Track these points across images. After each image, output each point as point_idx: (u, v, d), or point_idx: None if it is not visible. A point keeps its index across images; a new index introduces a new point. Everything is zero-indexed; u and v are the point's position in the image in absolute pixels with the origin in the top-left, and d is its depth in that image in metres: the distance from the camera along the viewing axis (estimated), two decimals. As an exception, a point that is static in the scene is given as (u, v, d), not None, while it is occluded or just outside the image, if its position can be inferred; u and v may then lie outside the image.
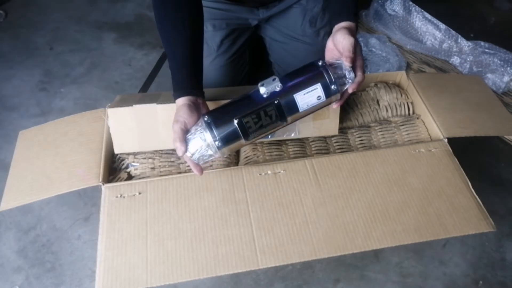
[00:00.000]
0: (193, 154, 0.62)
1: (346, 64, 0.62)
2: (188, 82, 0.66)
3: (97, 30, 1.76)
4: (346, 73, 0.64)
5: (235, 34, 0.95)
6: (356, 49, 0.63)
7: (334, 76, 0.61)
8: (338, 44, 0.63)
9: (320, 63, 0.62)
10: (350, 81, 0.64)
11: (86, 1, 1.92)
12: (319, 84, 0.61)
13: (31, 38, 1.71)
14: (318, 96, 0.62)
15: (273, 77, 0.61)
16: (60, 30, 1.76)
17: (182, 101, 0.64)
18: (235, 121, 0.60)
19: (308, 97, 0.62)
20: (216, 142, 0.60)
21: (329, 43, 0.67)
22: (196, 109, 0.64)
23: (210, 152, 0.62)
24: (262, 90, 0.61)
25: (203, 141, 0.61)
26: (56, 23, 1.79)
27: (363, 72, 0.65)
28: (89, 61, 1.62)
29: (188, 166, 0.76)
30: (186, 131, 0.62)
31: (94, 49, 1.68)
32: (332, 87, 0.62)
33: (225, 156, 0.76)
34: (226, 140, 0.61)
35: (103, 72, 1.58)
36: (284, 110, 0.62)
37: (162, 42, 0.68)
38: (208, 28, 0.91)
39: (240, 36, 0.97)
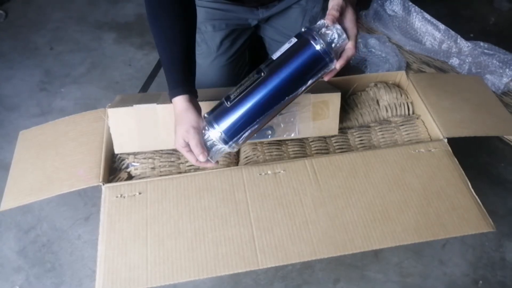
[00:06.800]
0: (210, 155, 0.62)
1: (327, 22, 0.56)
2: (188, 80, 0.64)
3: (97, 30, 1.76)
4: (330, 33, 0.56)
5: (235, 34, 0.95)
6: (346, 12, 0.57)
7: (328, 48, 0.56)
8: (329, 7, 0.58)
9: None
10: (336, 40, 0.57)
11: (86, 1, 1.92)
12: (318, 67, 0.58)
13: (31, 38, 1.71)
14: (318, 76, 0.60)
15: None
16: (60, 30, 1.76)
17: (185, 100, 0.62)
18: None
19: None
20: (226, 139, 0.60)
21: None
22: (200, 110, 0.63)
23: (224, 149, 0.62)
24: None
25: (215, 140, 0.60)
26: (56, 23, 1.79)
27: (355, 43, 0.57)
28: (89, 61, 1.62)
29: (189, 166, 0.76)
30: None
31: (94, 49, 1.68)
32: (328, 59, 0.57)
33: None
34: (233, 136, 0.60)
35: (103, 72, 1.58)
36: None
37: (156, 40, 0.65)
38: (207, 29, 0.91)
39: (239, 36, 0.97)
